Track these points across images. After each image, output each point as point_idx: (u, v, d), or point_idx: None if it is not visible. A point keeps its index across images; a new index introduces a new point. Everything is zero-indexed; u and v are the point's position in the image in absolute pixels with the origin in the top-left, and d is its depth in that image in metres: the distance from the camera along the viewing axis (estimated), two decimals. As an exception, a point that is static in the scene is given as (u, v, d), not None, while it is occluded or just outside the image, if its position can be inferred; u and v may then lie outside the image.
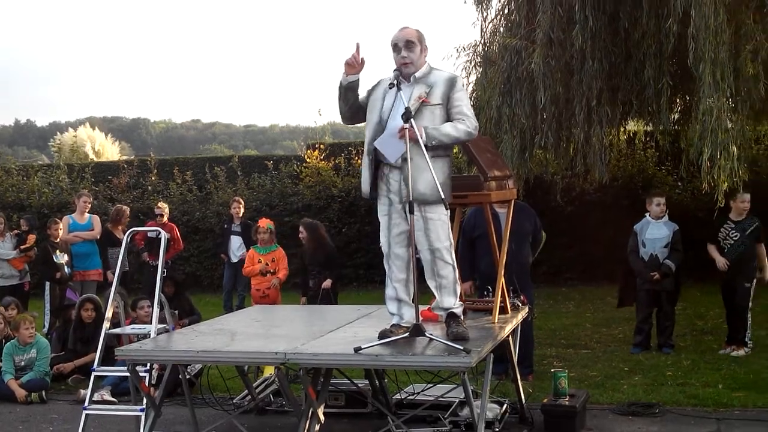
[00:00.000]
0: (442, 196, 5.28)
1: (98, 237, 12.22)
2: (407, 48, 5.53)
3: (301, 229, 10.60)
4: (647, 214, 9.59)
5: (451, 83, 5.59)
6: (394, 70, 5.53)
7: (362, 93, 5.74)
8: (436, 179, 5.25)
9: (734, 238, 9.23)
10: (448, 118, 5.55)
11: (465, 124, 5.52)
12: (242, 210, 12.89)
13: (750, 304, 9.12)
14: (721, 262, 9.21)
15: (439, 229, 5.54)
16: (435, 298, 5.75)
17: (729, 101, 9.40)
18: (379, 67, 5.81)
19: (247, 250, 11.25)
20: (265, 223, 10.98)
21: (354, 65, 5.53)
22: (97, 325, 8.93)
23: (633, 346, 9.48)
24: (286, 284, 11.01)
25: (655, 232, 9.46)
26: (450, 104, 5.55)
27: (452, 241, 5.68)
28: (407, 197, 5.29)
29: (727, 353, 9.05)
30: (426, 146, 5.30)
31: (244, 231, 12.42)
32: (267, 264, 10.46)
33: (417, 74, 5.57)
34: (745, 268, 9.14)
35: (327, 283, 10.12)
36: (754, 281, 9.17)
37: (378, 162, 5.58)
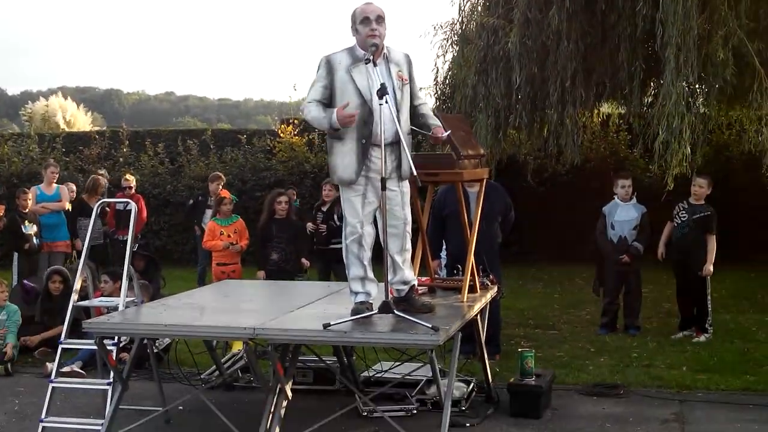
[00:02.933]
0: (415, 172, 5.37)
1: (66, 208, 12.14)
2: (378, 22, 5.50)
3: (282, 200, 10.05)
4: (615, 197, 9.62)
5: (409, 61, 5.78)
6: (371, 45, 5.43)
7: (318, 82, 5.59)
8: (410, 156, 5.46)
9: (682, 218, 9.23)
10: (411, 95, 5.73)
11: (428, 107, 5.89)
12: (221, 188, 12.68)
13: (708, 291, 9.15)
14: (659, 251, 9.44)
15: (409, 204, 5.70)
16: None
17: (695, 86, 9.47)
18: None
19: None
20: (228, 194, 10.85)
21: (350, 123, 5.45)
22: (65, 298, 8.85)
23: (600, 327, 9.56)
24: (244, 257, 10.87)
25: (623, 214, 9.49)
26: (411, 83, 5.73)
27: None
28: (390, 173, 5.46)
29: (678, 338, 9.14)
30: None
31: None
32: (230, 235, 10.36)
33: (385, 51, 5.59)
34: (694, 256, 9.10)
35: (306, 263, 10.14)
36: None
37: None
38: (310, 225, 10.44)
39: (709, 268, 9.05)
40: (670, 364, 8.03)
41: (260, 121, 49.73)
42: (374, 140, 5.43)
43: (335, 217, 10.05)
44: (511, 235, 8.99)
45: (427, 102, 5.92)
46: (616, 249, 9.46)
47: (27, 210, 11.52)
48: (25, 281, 10.47)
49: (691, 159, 9.28)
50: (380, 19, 5.52)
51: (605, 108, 14.09)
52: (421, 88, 6.37)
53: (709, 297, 9.12)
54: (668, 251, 9.46)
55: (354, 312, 5.56)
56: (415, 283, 5.90)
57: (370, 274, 5.72)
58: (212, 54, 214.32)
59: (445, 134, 5.66)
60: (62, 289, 9.41)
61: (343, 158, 5.55)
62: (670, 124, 9.06)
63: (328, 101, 5.56)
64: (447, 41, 13.34)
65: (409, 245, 5.76)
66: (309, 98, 5.60)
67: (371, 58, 5.42)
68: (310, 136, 17.48)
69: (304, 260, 10.09)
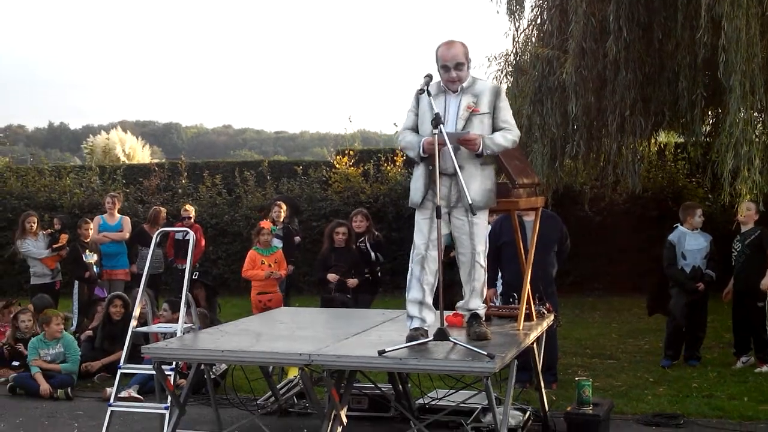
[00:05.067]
0: (470, 201, 5.38)
1: (127, 238, 12.39)
2: (457, 69, 5.68)
3: (340, 230, 10.11)
4: (679, 225, 9.45)
5: (497, 93, 5.85)
6: (425, 76, 5.64)
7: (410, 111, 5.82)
8: (485, 186, 5.67)
9: (737, 249, 9.21)
10: (494, 126, 5.75)
11: (512, 133, 5.81)
12: (284, 214, 12.74)
13: None
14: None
15: (481, 234, 5.77)
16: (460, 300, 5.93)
17: (760, 114, 9.35)
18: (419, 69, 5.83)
19: (287, 254, 11.11)
20: (268, 224, 10.92)
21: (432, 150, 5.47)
22: (125, 323, 9.00)
23: (664, 358, 9.30)
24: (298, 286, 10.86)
25: (693, 243, 9.29)
26: (496, 113, 5.78)
27: (487, 245, 5.89)
28: (455, 203, 5.63)
29: (739, 368, 8.97)
30: (479, 155, 5.59)
31: (286, 235, 12.19)
32: (270, 265, 10.37)
33: (464, 84, 5.71)
34: (751, 283, 8.94)
35: (353, 282, 9.86)
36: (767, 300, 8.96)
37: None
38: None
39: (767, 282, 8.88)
40: (731, 394, 7.89)
41: (316, 153, 50.19)
42: (440, 169, 5.48)
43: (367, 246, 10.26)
44: (567, 264, 8.91)
45: (512, 129, 5.81)
46: (690, 278, 9.25)
47: (88, 240, 11.77)
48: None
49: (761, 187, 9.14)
50: (459, 65, 5.68)
51: (661, 137, 13.98)
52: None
53: (769, 327, 8.95)
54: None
55: (409, 339, 5.56)
56: (481, 312, 5.90)
57: (429, 300, 5.74)
58: (269, 88, 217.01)
59: (468, 132, 5.59)
60: (123, 313, 9.56)
61: (416, 182, 5.76)
62: (738, 152, 8.94)
63: (417, 128, 5.75)
64: (501, 72, 13.37)
65: (479, 275, 5.80)
66: (402, 126, 5.89)
67: (425, 88, 5.58)
68: (366, 167, 17.60)
69: (350, 280, 9.88)
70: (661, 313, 9.79)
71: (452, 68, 5.66)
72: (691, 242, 9.33)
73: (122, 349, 7.23)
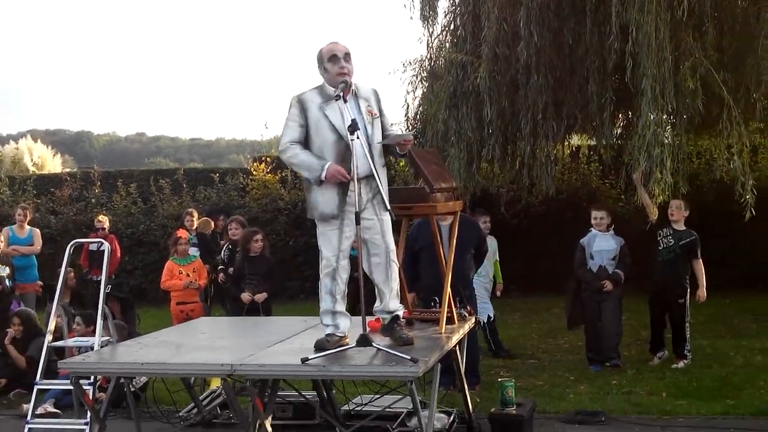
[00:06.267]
0: (389, 206, 5.48)
1: (38, 251, 12.11)
2: (346, 60, 5.61)
3: (258, 238, 9.82)
4: (592, 228, 9.62)
5: (377, 96, 5.85)
6: (341, 83, 5.55)
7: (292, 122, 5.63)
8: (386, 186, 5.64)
9: (668, 244, 9.30)
10: (383, 128, 5.79)
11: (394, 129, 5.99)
12: (196, 222, 12.63)
13: (688, 317, 9.24)
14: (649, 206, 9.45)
15: (390, 232, 5.72)
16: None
17: (669, 116, 9.59)
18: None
19: (204, 262, 11.01)
20: (184, 233, 10.84)
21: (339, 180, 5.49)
22: (27, 339, 8.89)
23: (591, 363, 9.23)
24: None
25: (602, 244, 9.41)
26: (381, 116, 5.79)
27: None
28: (365, 205, 5.54)
29: (657, 364, 9.20)
30: (402, 155, 5.81)
31: (201, 242, 12.09)
32: (188, 274, 10.32)
33: (354, 88, 5.67)
34: (675, 283, 9.19)
35: (261, 297, 9.51)
36: (687, 297, 9.24)
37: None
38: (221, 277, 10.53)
39: (704, 292, 9.18)
40: (649, 390, 8.07)
41: (233, 160, 49.63)
42: (350, 175, 5.46)
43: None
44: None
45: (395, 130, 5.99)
46: (596, 277, 9.35)
47: (-1, 252, 11.45)
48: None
49: (675, 188, 9.36)
50: (348, 56, 5.62)
51: (575, 140, 14.24)
52: (392, 124, 6.44)
53: (687, 323, 9.19)
54: (648, 274, 9.51)
55: (316, 345, 5.59)
56: (400, 314, 5.88)
57: (341, 308, 5.73)
58: (183, 94, 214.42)
59: (409, 134, 5.93)
60: (22, 330, 9.36)
61: (323, 194, 5.57)
62: (651, 154, 9.15)
63: (305, 141, 5.61)
64: (416, 77, 13.51)
65: (395, 274, 5.76)
66: (287, 139, 5.62)
67: (341, 94, 5.49)
68: (284, 174, 17.53)
69: (257, 296, 9.47)
70: (580, 323, 9.86)
71: (342, 58, 5.57)
72: (600, 243, 9.43)
73: (28, 363, 7.07)
